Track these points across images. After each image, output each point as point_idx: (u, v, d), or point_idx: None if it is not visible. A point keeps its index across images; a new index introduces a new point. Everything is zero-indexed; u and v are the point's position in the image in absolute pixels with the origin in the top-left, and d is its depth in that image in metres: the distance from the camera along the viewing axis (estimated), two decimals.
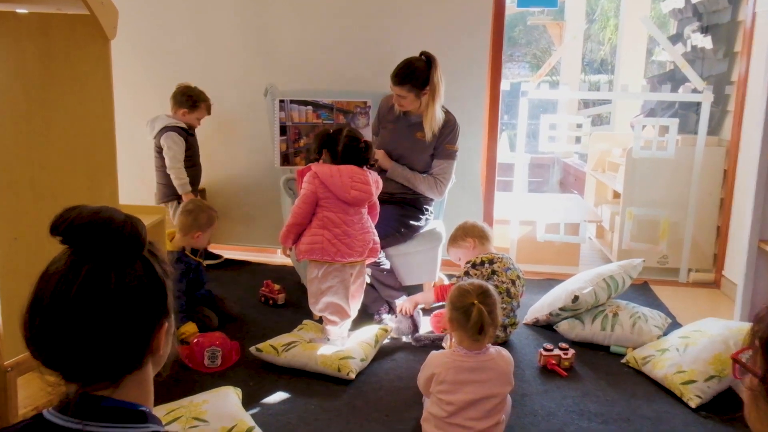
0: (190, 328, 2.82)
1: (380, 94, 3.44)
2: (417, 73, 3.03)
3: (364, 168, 2.74)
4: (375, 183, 2.77)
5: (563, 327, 3.01)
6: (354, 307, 2.84)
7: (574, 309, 2.98)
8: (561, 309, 3.02)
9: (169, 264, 0.99)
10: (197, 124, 3.75)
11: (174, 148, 3.57)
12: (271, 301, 3.36)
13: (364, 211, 2.79)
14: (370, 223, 2.82)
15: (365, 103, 3.21)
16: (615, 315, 2.93)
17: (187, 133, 3.67)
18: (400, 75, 3.04)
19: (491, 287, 2.14)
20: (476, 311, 2.02)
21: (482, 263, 2.94)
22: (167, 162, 3.58)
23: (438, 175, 3.21)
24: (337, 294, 2.75)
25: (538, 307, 3.20)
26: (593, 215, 4.69)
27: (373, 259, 2.86)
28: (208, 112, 3.76)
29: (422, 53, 3.08)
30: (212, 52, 3.94)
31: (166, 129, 3.59)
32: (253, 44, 3.89)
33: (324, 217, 2.70)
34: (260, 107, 3.70)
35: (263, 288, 3.42)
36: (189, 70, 3.94)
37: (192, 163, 3.66)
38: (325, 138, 2.77)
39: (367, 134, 3.18)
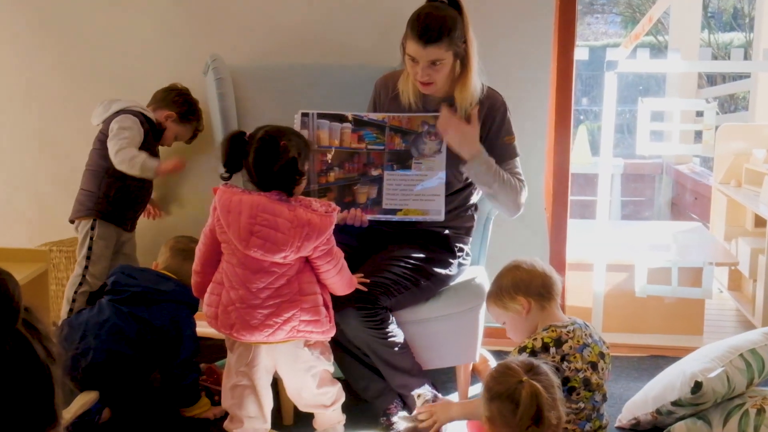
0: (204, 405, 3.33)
1: (382, 70, 3.49)
2: (452, 24, 3.06)
3: (285, 196, 2.71)
4: (303, 226, 2.65)
5: (679, 431, 3.03)
6: (309, 404, 2.94)
7: (696, 403, 2.98)
8: (675, 403, 3.02)
9: (56, 342, 1.00)
10: (169, 143, 3.85)
11: (126, 133, 3.58)
12: (216, 397, 3.34)
13: (285, 270, 2.72)
14: (308, 287, 2.77)
15: (436, 118, 3.23)
16: (760, 411, 2.92)
17: (154, 134, 3.73)
18: (434, 28, 3.02)
19: (545, 366, 2.26)
20: (527, 391, 2.11)
21: (545, 348, 2.87)
22: (113, 145, 3.56)
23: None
24: (243, 396, 2.87)
25: (640, 401, 3.21)
26: (724, 255, 4.68)
27: (297, 342, 2.84)
28: (190, 139, 3.90)
29: None
30: (131, 16, 4.05)
31: (124, 112, 3.65)
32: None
33: (222, 269, 2.78)
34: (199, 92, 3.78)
35: (202, 377, 3.45)
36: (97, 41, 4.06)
37: (139, 189, 3.74)
38: (232, 143, 2.79)
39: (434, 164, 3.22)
